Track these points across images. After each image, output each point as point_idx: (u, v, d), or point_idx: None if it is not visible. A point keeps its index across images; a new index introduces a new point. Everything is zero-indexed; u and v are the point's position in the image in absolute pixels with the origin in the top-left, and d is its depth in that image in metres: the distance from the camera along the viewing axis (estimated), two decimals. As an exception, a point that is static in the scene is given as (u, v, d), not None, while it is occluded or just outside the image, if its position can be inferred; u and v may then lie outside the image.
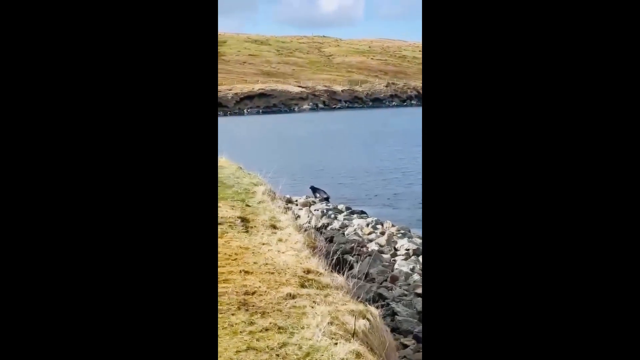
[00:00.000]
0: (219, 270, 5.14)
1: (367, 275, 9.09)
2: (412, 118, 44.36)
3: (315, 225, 13.26)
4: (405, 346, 6.93)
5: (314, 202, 16.73)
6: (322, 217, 14.56)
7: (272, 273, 5.26)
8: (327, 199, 17.36)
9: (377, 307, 5.34)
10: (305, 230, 8.54)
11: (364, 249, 11.29)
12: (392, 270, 9.84)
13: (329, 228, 13.55)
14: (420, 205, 17.13)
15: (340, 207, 16.13)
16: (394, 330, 7.12)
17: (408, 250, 11.24)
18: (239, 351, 3.73)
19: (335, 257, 6.77)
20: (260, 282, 4.98)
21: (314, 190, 17.86)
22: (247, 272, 5.20)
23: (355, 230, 13.21)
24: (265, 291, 4.76)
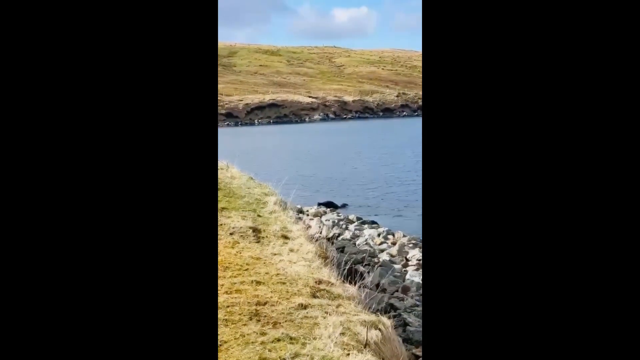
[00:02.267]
0: (231, 280, 5.15)
1: (378, 285, 9.07)
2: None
3: (327, 236, 13.25)
4: (417, 357, 6.90)
5: (325, 212, 16.73)
6: (333, 227, 14.55)
7: (284, 283, 5.26)
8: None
9: (389, 318, 5.32)
10: (317, 240, 8.53)
11: (375, 259, 11.27)
12: (404, 281, 9.81)
13: (340, 238, 13.54)
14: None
15: (352, 217, 16.12)
16: (406, 340, 7.09)
17: (419, 260, 11.20)
18: (251, 362, 3.72)
19: (346, 268, 6.76)
20: (271, 292, 4.98)
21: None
22: (258, 283, 5.20)
23: (366, 240, 13.19)
24: (277, 301, 4.75)
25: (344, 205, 18.71)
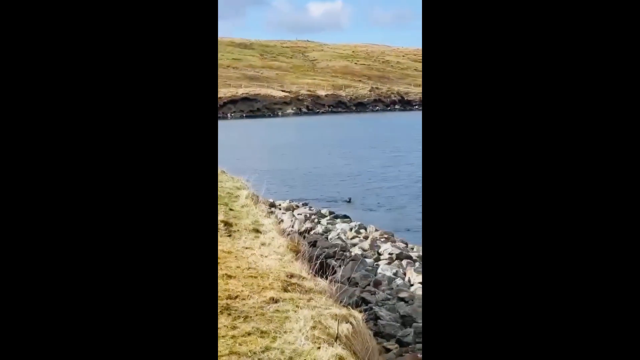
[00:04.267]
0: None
1: (350, 279, 9.09)
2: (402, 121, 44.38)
3: (299, 230, 13.24)
4: (388, 350, 6.93)
5: (297, 206, 16.71)
6: (305, 221, 14.54)
7: (255, 277, 5.25)
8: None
9: (360, 312, 5.34)
10: (289, 234, 8.52)
11: (347, 254, 11.29)
12: (376, 275, 9.85)
13: (312, 232, 13.53)
14: (402, 210, 17.19)
15: (324, 211, 16.12)
16: (377, 334, 7.12)
17: (391, 254, 11.25)
18: (222, 355, 3.71)
19: (318, 262, 6.77)
20: (243, 286, 4.96)
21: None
22: (230, 276, 5.18)
23: (338, 234, 13.21)
24: (248, 295, 4.74)
25: (316, 200, 18.71)
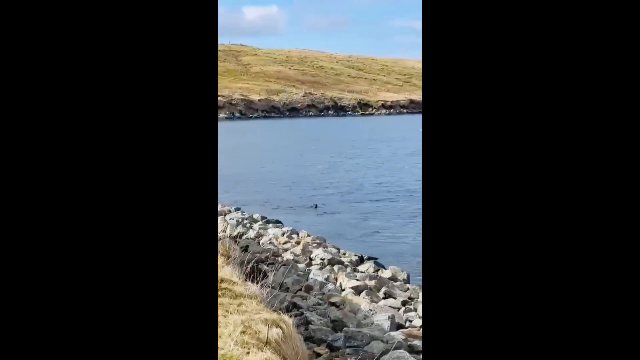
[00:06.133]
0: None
1: (281, 284, 9.08)
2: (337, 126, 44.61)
3: (230, 234, 13.15)
4: (318, 355, 6.95)
5: (230, 211, 16.60)
6: (237, 226, 14.47)
7: (185, 282, 5.17)
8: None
9: (291, 316, 5.33)
10: (220, 239, 8.45)
11: (279, 259, 11.28)
12: (307, 280, 9.87)
13: (244, 237, 13.46)
14: (334, 215, 17.30)
15: (256, 216, 16.06)
16: (308, 339, 7.12)
17: (323, 259, 11.30)
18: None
19: (249, 266, 6.73)
20: (172, 291, 4.89)
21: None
22: (158, 282, 5.09)
23: (270, 239, 13.18)
24: (177, 301, 4.67)
25: (249, 205, 18.63)
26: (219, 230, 12.65)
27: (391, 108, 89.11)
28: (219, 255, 6.27)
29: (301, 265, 10.94)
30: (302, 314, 8.02)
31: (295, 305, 8.40)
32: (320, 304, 8.57)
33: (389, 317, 7.72)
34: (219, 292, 5.03)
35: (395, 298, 9.06)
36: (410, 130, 49.28)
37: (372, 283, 9.55)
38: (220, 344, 3.91)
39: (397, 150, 35.29)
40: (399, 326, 7.76)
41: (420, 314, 8.24)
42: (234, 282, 5.40)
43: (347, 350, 6.79)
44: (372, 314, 7.95)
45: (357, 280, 9.75)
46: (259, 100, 75.11)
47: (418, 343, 6.93)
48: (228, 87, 77.90)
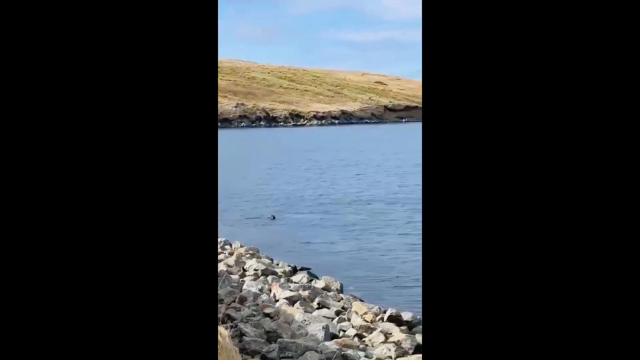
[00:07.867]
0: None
1: (215, 296, 9.01)
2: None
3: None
4: (253, 366, 6.94)
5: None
6: (169, 238, 14.27)
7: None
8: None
9: (226, 328, 5.31)
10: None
11: (213, 270, 11.18)
12: (241, 291, 9.82)
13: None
14: (270, 226, 17.29)
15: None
16: (242, 350, 7.10)
17: (257, 270, 11.28)
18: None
19: (183, 279, 6.65)
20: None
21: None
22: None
23: (203, 251, 13.06)
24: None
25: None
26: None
27: (323, 119, 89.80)
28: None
29: (235, 277, 10.89)
30: (236, 325, 7.99)
31: (230, 317, 8.36)
32: (254, 315, 8.55)
33: (323, 327, 7.76)
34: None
35: (329, 308, 9.12)
36: (344, 141, 49.68)
37: (305, 293, 9.58)
38: (155, 357, 3.87)
39: (335, 161, 35.55)
40: (333, 336, 7.82)
41: (354, 324, 8.32)
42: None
43: (282, 361, 6.80)
44: (307, 324, 7.98)
45: (291, 290, 9.77)
46: (190, 110, 74.35)
47: (352, 353, 7.00)
48: (158, 97, 76.80)
